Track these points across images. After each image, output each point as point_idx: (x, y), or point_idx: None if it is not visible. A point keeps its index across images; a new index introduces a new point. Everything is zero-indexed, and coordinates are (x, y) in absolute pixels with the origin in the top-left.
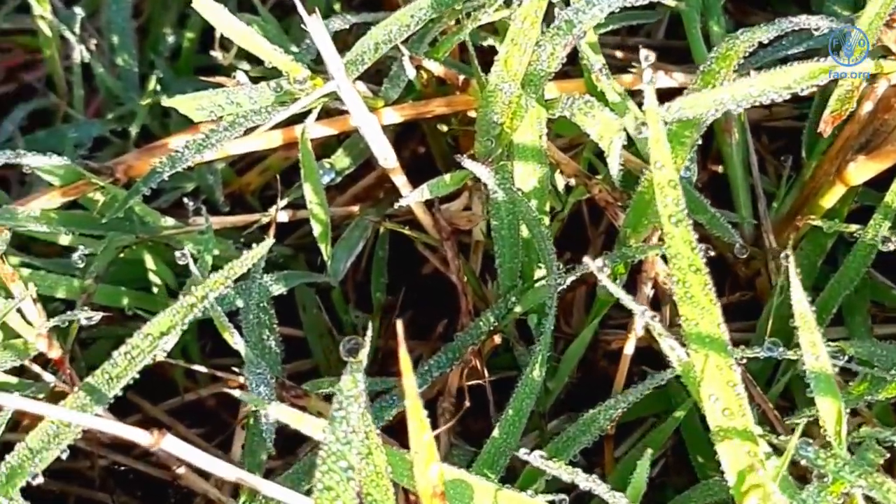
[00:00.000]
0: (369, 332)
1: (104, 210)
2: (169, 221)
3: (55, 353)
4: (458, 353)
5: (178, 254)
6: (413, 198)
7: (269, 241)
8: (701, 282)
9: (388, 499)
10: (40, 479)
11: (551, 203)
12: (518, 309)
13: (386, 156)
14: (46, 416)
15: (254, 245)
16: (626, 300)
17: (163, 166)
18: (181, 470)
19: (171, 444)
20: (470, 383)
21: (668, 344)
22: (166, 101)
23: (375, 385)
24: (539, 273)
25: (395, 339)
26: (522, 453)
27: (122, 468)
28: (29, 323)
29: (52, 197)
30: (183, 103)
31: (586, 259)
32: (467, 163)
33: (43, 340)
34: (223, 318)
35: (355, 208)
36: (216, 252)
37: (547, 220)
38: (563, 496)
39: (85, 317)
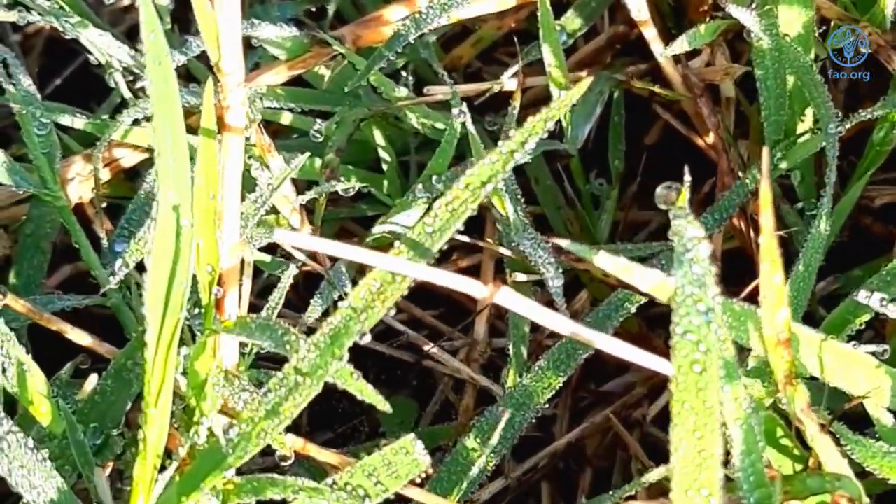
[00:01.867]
0: (687, 179)
1: (339, 81)
2: (402, 92)
3: (306, 229)
4: (724, 214)
5: (455, 111)
6: (674, 49)
7: (579, 88)
8: None
9: (729, 349)
10: (368, 339)
11: (815, 51)
12: (784, 164)
13: (639, 7)
14: (374, 269)
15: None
16: None
17: (406, 28)
18: (433, 349)
19: (505, 297)
20: (729, 247)
21: None
22: None
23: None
24: (802, 127)
25: (632, 209)
26: (863, 297)
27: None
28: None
29: (279, 72)
30: None
31: None
32: (732, 9)
33: (296, 216)
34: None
35: (582, 73)
36: (441, 126)
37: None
38: (884, 346)
39: (342, 188)
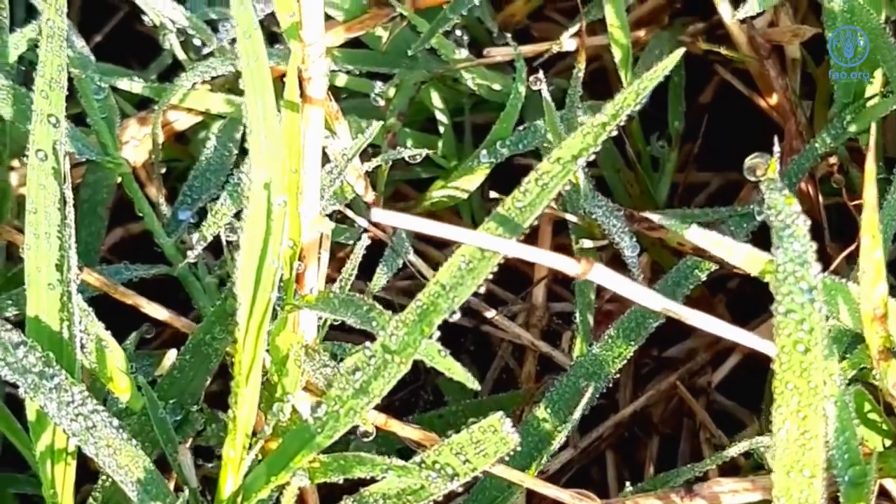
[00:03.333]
0: (776, 147)
1: (396, 43)
2: (462, 53)
3: (370, 196)
4: (793, 179)
5: (533, 77)
6: (746, 11)
7: (672, 59)
8: None
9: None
10: (457, 316)
11: (886, 11)
12: (853, 128)
13: None
14: (463, 245)
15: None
16: None
17: None
18: (492, 314)
19: (599, 274)
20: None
21: None
22: None
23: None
24: (871, 90)
25: (690, 170)
26: None
27: None
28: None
29: (336, 33)
30: None
31: None
32: None
33: (361, 182)
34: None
35: (640, 33)
36: (497, 87)
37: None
38: None
39: (409, 154)
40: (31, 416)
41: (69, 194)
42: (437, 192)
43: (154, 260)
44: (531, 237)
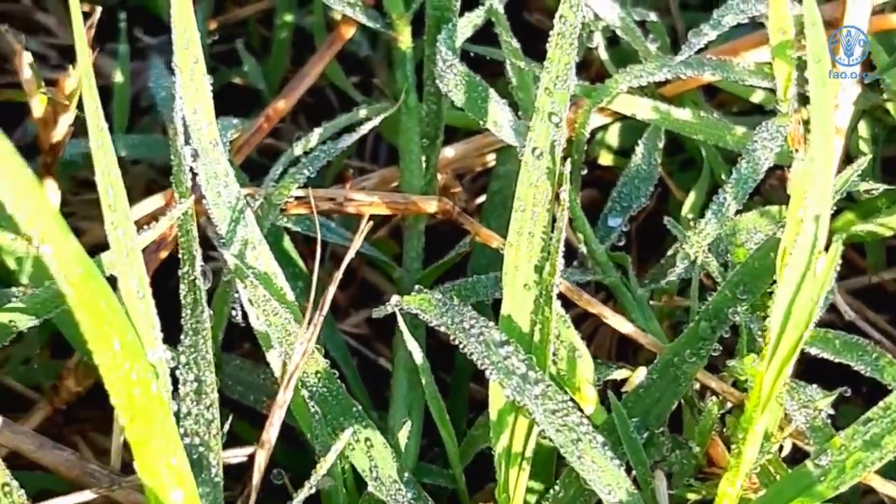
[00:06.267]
0: None
1: None
2: None
3: None
4: None
5: None
6: None
7: None
8: None
9: None
10: None
11: None
12: None
13: None
14: None
15: None
16: None
17: None
18: None
19: None
20: None
21: None
22: None
23: None
24: None
25: None
26: None
27: None
28: None
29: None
30: None
31: None
32: None
33: None
34: None
35: None
36: None
37: None
38: None
39: (865, 188)
40: (493, 415)
41: (564, 196)
42: (861, 227)
43: None
44: None
